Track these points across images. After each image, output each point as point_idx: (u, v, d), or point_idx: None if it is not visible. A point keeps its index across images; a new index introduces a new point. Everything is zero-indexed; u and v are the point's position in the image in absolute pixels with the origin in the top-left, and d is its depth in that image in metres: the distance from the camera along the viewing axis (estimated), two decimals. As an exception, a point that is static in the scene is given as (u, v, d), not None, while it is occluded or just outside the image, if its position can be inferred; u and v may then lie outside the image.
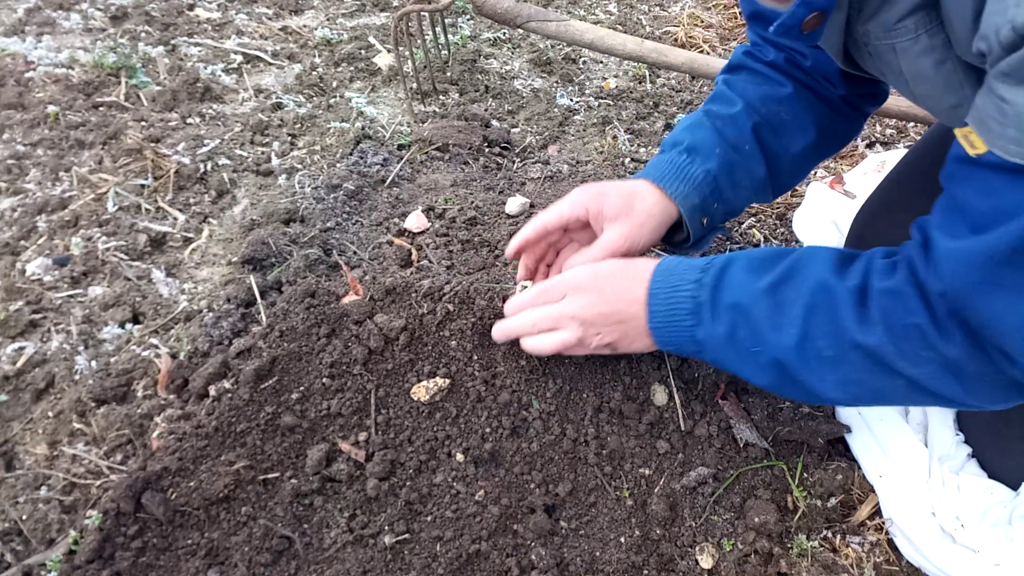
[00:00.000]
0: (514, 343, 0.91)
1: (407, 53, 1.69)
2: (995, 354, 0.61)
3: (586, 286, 0.82)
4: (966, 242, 0.58)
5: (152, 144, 1.51)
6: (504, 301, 0.96)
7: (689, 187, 0.88)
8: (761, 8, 0.90)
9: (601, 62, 1.97)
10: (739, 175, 0.91)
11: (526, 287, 0.96)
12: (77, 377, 1.08)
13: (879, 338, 0.64)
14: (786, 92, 0.93)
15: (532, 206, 1.33)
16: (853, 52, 0.78)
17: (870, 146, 1.55)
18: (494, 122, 1.69)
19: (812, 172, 1.48)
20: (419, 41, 1.80)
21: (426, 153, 1.56)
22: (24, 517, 0.92)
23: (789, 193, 1.42)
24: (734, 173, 0.91)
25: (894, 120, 1.62)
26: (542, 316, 0.84)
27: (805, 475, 0.87)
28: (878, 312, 0.65)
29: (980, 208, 0.58)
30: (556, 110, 1.74)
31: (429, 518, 0.86)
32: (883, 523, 0.83)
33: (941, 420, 0.89)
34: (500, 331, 0.89)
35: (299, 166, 1.51)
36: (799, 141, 0.94)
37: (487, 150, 1.59)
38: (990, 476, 0.84)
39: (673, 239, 0.95)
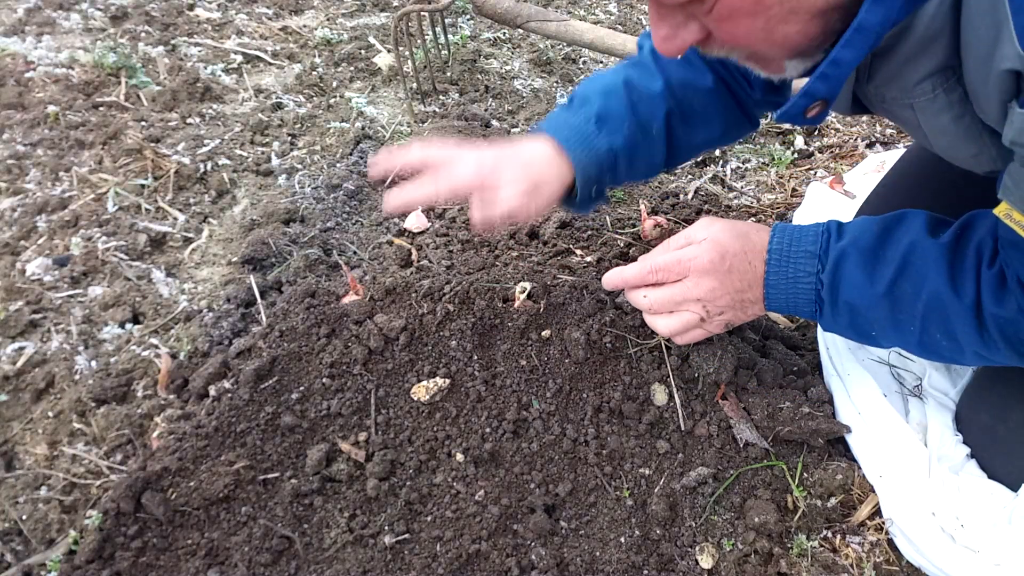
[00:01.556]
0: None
1: (407, 53, 1.69)
2: None
3: (715, 268, 0.79)
4: None
5: (152, 144, 1.51)
6: (504, 301, 0.96)
7: (589, 157, 0.86)
8: None
9: (601, 62, 1.97)
10: (639, 157, 0.91)
11: (526, 288, 0.96)
12: (77, 377, 1.08)
13: (1003, 354, 0.71)
14: (706, 84, 0.92)
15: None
16: (865, 103, 0.78)
17: (870, 146, 1.55)
18: (494, 122, 1.69)
19: (812, 172, 1.48)
20: (419, 41, 1.80)
21: (426, 153, 1.56)
22: (24, 517, 0.92)
23: (789, 193, 1.42)
24: (635, 155, 0.90)
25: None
26: (661, 300, 0.82)
27: (805, 475, 0.87)
28: (997, 331, 0.69)
29: None
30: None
31: (429, 518, 0.86)
32: (883, 523, 0.83)
33: (941, 421, 0.89)
34: (611, 285, 0.85)
35: (299, 166, 1.51)
36: (702, 134, 0.94)
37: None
38: (989, 477, 0.84)
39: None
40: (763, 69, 0.69)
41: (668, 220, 1.25)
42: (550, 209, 0.89)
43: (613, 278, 0.85)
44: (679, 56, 0.68)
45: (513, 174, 0.83)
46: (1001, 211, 0.62)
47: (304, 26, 2.13)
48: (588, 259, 1.17)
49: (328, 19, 2.18)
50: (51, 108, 1.62)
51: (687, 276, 0.80)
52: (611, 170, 0.89)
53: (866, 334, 0.79)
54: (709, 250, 0.79)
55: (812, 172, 1.48)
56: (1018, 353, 0.70)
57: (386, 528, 0.85)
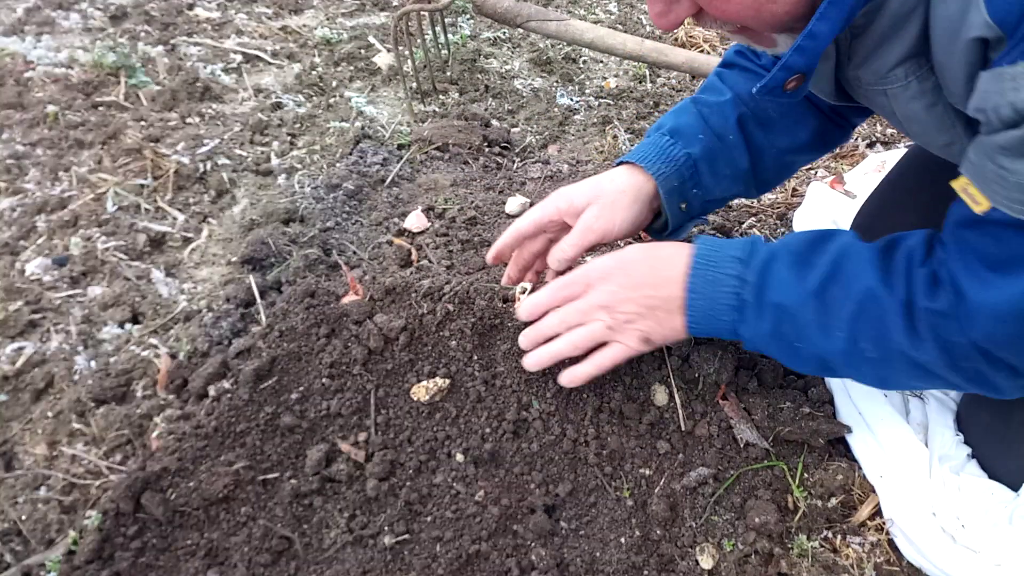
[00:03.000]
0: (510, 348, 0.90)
1: (407, 52, 1.68)
2: None
3: (611, 273, 0.79)
4: (993, 293, 0.60)
5: (151, 144, 1.51)
6: (504, 301, 0.96)
7: (669, 168, 0.87)
8: None
9: (601, 62, 1.97)
10: (720, 163, 0.90)
11: (526, 289, 0.96)
12: (76, 377, 1.08)
13: (931, 354, 0.66)
14: (804, 93, 0.92)
15: (532, 206, 1.33)
16: (847, 89, 0.78)
17: (870, 146, 1.55)
18: (494, 122, 1.69)
19: (812, 172, 1.48)
20: (419, 41, 1.80)
21: (426, 153, 1.56)
22: (23, 517, 0.92)
23: (790, 192, 1.42)
24: (715, 161, 0.90)
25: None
26: (568, 313, 0.81)
27: (805, 475, 0.87)
28: (928, 330, 0.66)
29: (995, 254, 0.60)
30: (556, 110, 1.74)
31: (429, 518, 0.85)
32: (884, 523, 0.83)
33: (941, 420, 0.89)
34: (528, 339, 0.85)
35: (299, 166, 1.51)
36: (786, 139, 0.93)
37: (487, 150, 1.58)
38: (990, 477, 0.84)
39: (653, 226, 0.94)
40: (755, 43, 0.71)
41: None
42: (638, 228, 0.90)
43: (527, 307, 0.85)
44: (675, 29, 0.70)
45: (586, 197, 0.86)
46: (959, 184, 0.61)
47: (304, 25, 2.13)
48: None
49: (328, 18, 2.17)
50: (50, 108, 1.62)
51: (590, 287, 0.80)
52: (694, 179, 0.89)
53: (788, 344, 0.73)
54: (607, 258, 0.81)
55: (813, 172, 1.48)
56: (945, 355, 0.66)
57: (386, 528, 0.85)
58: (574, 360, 0.84)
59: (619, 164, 0.92)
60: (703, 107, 0.92)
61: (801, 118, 0.93)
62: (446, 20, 1.98)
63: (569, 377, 0.83)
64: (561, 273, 0.89)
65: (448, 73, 1.86)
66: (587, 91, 1.84)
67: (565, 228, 0.91)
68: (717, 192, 0.93)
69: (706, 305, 0.75)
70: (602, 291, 0.79)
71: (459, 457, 0.88)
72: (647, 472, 0.87)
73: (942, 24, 0.58)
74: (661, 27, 0.67)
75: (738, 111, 0.91)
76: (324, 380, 0.94)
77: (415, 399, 0.91)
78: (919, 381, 0.72)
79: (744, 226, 1.30)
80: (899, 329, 0.67)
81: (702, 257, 0.76)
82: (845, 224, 1.15)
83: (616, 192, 0.87)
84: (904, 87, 0.67)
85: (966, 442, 0.87)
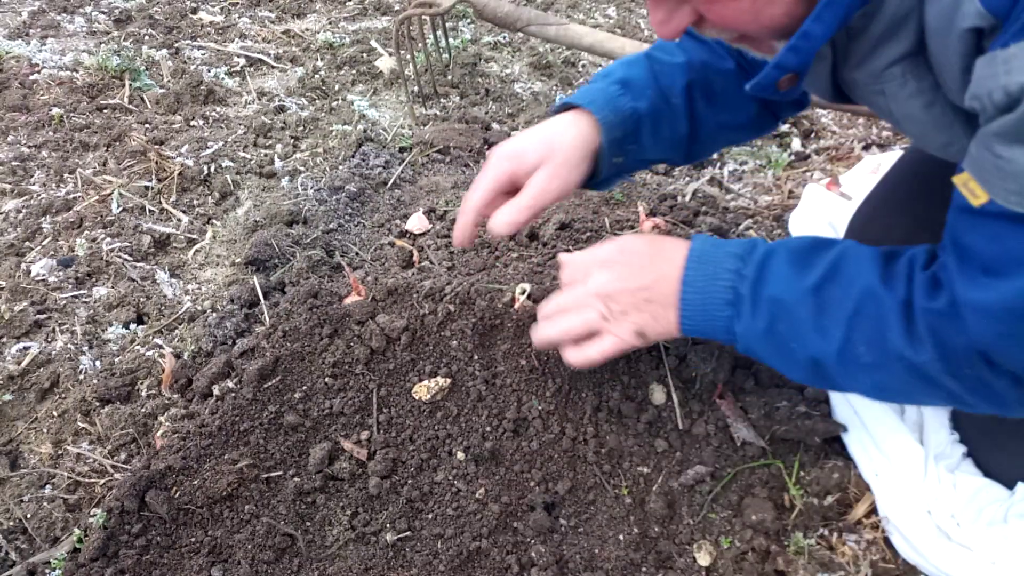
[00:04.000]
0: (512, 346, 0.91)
1: (408, 56, 1.70)
2: None
3: (612, 261, 0.78)
4: (984, 294, 0.59)
5: (156, 146, 1.53)
6: (503, 303, 0.97)
7: (616, 117, 0.85)
8: None
9: (600, 65, 1.98)
10: (663, 125, 0.89)
11: (525, 290, 0.97)
12: (82, 377, 1.09)
13: (929, 355, 0.64)
14: (727, 67, 0.91)
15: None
16: (845, 90, 0.78)
17: (866, 148, 1.56)
18: (494, 125, 1.71)
19: (809, 174, 1.50)
20: (420, 45, 1.81)
21: (427, 155, 1.58)
22: (29, 515, 0.93)
23: (786, 195, 1.43)
24: (659, 121, 0.88)
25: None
26: (565, 298, 0.80)
27: (802, 473, 0.88)
28: (926, 330, 0.64)
29: (990, 253, 0.59)
30: (556, 113, 1.75)
31: (430, 516, 0.86)
32: (879, 521, 0.84)
33: (937, 419, 0.90)
34: (537, 335, 0.84)
35: (302, 168, 1.52)
36: (726, 115, 0.93)
37: (488, 152, 1.60)
38: (985, 475, 0.85)
39: None
40: (754, 49, 0.71)
41: (666, 222, 1.26)
42: (583, 180, 0.86)
43: (545, 305, 0.83)
44: (676, 39, 0.69)
45: (538, 154, 0.82)
46: (960, 180, 0.60)
47: (306, 29, 2.14)
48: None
49: (330, 23, 2.19)
50: (55, 110, 1.63)
51: (589, 275, 0.79)
52: (634, 135, 0.87)
53: (783, 344, 0.71)
54: (608, 246, 0.79)
55: (809, 174, 1.49)
56: (943, 358, 0.64)
57: (388, 526, 0.86)
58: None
59: (563, 106, 0.88)
60: (656, 64, 0.90)
61: (744, 100, 0.92)
62: (447, 24, 2.00)
63: (575, 356, 0.81)
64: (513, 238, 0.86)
65: (449, 77, 1.88)
66: (587, 94, 1.85)
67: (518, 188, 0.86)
68: (651, 153, 0.91)
69: (700, 300, 0.73)
70: (599, 280, 0.78)
71: (460, 455, 0.89)
72: (645, 470, 0.88)
73: (936, 18, 0.58)
74: (663, 36, 0.67)
75: (688, 77, 0.89)
76: (327, 379, 0.95)
77: (416, 398, 0.92)
78: (919, 391, 0.68)
79: (741, 228, 1.31)
80: (897, 330, 0.65)
81: (699, 252, 0.75)
82: (841, 226, 1.16)
83: (568, 148, 0.83)
84: (901, 85, 0.67)
85: (961, 441, 0.88)
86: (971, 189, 0.59)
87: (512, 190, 0.86)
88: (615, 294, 0.77)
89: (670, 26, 0.66)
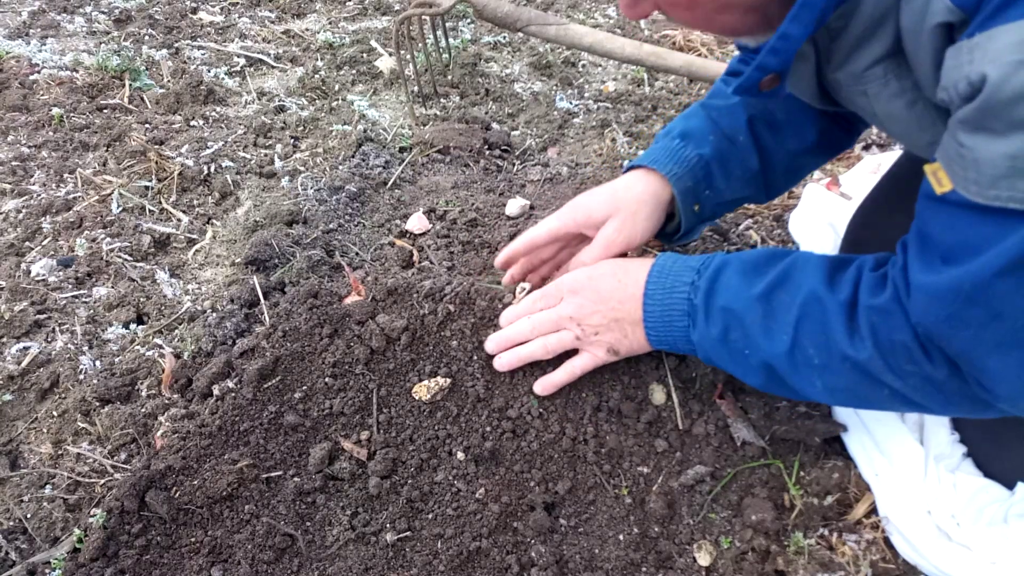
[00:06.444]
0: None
1: (408, 56, 1.70)
2: (972, 382, 0.63)
3: (582, 287, 0.84)
4: (935, 277, 0.60)
5: (156, 146, 1.53)
6: (504, 303, 0.97)
7: (682, 168, 0.89)
8: None
9: (600, 65, 1.98)
10: (732, 164, 0.92)
11: (524, 289, 0.97)
12: (82, 377, 1.09)
13: (868, 352, 0.66)
14: (782, 93, 0.93)
15: (532, 208, 1.34)
16: (830, 92, 0.79)
17: (866, 148, 1.56)
18: (494, 125, 1.71)
19: (809, 175, 1.50)
20: (420, 45, 1.81)
21: (427, 155, 1.58)
22: (29, 515, 0.93)
23: (786, 195, 1.43)
24: (727, 162, 0.92)
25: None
26: (541, 320, 0.86)
27: (802, 473, 0.88)
28: (867, 327, 0.66)
29: (947, 241, 0.60)
30: (556, 113, 1.76)
31: (430, 516, 0.87)
32: (879, 521, 0.84)
33: (937, 419, 0.90)
34: (495, 342, 0.90)
35: (302, 168, 1.52)
36: (794, 141, 0.95)
37: (487, 152, 1.60)
38: (985, 475, 0.85)
39: (665, 229, 0.96)
40: (725, 38, 0.74)
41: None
42: (653, 232, 0.92)
43: (508, 315, 0.91)
44: (643, 19, 0.72)
45: (605, 209, 0.88)
46: (930, 168, 0.61)
47: (306, 29, 2.14)
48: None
49: (330, 22, 2.19)
50: (55, 110, 1.63)
51: (562, 299, 0.85)
52: (707, 180, 0.91)
53: (737, 351, 0.75)
54: (578, 272, 0.86)
55: (808, 176, 1.49)
56: (881, 354, 0.65)
57: (388, 526, 0.86)
58: (546, 369, 0.89)
59: (629, 169, 0.93)
60: (712, 111, 0.94)
61: (807, 120, 0.94)
62: (447, 24, 2.00)
63: (543, 385, 0.88)
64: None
65: (449, 77, 1.88)
66: (586, 95, 1.85)
67: (578, 237, 0.94)
68: (729, 194, 0.94)
69: (661, 311, 0.79)
70: (572, 303, 0.84)
71: (460, 455, 0.89)
72: (645, 470, 0.88)
73: (910, 17, 0.59)
74: (630, 17, 0.70)
75: (748, 113, 0.92)
76: (327, 379, 0.95)
77: (416, 398, 0.92)
78: (866, 391, 0.70)
79: (740, 228, 1.31)
80: (840, 330, 0.67)
81: (659, 268, 0.80)
82: (841, 226, 1.16)
83: (635, 202, 0.89)
84: (883, 85, 0.68)
85: (961, 441, 0.88)
86: (939, 178, 0.60)
87: (571, 241, 0.95)
88: (587, 316, 0.83)
89: (636, 9, 0.68)
